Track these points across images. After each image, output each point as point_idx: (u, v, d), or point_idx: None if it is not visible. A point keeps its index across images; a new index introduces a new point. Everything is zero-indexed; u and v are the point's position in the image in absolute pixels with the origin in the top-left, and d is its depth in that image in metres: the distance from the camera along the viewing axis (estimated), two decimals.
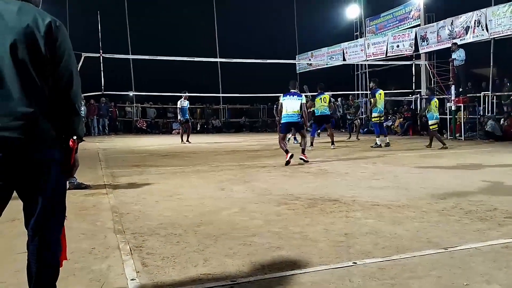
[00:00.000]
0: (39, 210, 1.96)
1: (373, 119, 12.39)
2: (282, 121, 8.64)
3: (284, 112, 8.54)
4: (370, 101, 12.75)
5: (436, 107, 11.29)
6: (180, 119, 14.91)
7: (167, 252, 3.11)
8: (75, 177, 5.74)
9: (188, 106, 15.02)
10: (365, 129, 19.21)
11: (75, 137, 2.01)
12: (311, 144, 11.54)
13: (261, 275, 2.66)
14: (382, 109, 12.25)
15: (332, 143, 11.82)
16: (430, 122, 11.33)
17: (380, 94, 12.02)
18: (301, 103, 8.52)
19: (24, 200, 2.00)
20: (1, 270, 2.81)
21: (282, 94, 8.83)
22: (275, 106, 16.04)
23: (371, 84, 12.49)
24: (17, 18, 1.89)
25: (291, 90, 8.73)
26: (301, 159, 8.33)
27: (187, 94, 14.96)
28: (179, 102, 14.76)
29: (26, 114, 1.87)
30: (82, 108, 14.34)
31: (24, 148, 1.88)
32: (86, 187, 5.87)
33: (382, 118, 12.46)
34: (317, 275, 2.65)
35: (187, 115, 14.75)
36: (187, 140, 14.47)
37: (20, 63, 1.87)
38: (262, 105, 25.06)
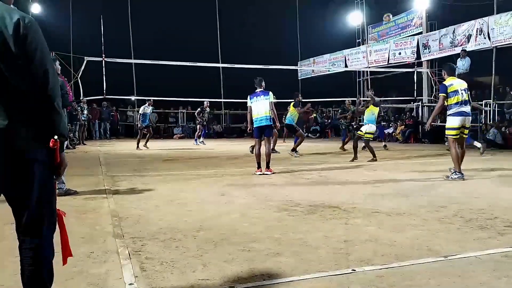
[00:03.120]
0: (27, 213, 1.93)
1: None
2: (254, 126, 7.85)
3: (254, 116, 7.80)
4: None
5: (373, 114, 10.30)
6: (140, 125, 14.76)
7: (166, 257, 3.10)
8: (64, 184, 5.63)
9: (151, 112, 15.16)
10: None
11: (56, 137, 1.94)
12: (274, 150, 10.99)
13: (259, 281, 2.65)
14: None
15: (294, 149, 11.26)
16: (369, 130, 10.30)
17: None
18: (269, 102, 7.73)
19: (11, 204, 1.97)
20: (0, 273, 2.81)
21: (249, 96, 8.02)
22: (198, 110, 16.51)
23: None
24: None
25: (257, 90, 7.94)
26: (265, 174, 7.58)
27: (152, 100, 15.11)
28: (142, 108, 14.59)
29: (1, 118, 1.83)
30: (85, 112, 14.24)
31: (3, 152, 1.85)
32: (74, 193, 5.68)
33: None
34: (316, 282, 2.64)
35: (148, 121, 14.74)
36: (145, 145, 14.32)
37: None
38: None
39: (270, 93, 7.84)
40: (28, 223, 1.95)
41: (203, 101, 17.00)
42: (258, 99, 7.80)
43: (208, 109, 17.16)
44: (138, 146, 14.15)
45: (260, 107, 7.74)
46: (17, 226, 1.99)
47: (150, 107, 14.76)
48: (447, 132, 7.04)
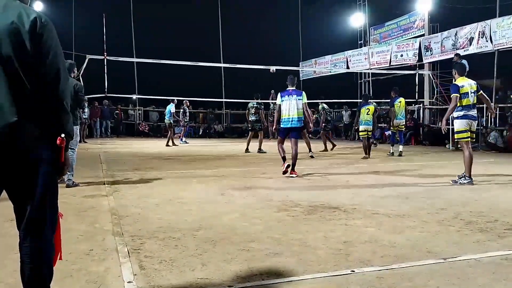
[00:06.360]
0: (29, 211, 1.93)
1: (392, 129, 12.35)
2: (281, 126, 7.47)
3: (283, 116, 7.37)
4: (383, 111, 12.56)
5: (368, 114, 11.20)
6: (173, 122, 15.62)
7: (165, 255, 3.10)
8: (72, 176, 5.90)
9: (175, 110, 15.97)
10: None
11: (63, 135, 1.96)
12: (310, 150, 11.06)
13: (258, 281, 2.65)
14: (402, 118, 11.98)
15: (310, 150, 10.99)
16: (360, 129, 11.48)
17: (400, 102, 11.86)
18: (302, 104, 7.31)
19: (14, 202, 1.97)
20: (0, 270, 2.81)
21: (279, 93, 7.59)
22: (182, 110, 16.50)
23: (392, 93, 12.26)
24: (1, 15, 1.86)
25: (289, 88, 7.49)
26: (290, 176, 7.20)
27: (176, 100, 16.11)
28: (173, 107, 15.67)
29: (10, 115, 1.84)
30: (86, 110, 14.44)
31: (9, 150, 1.85)
32: (77, 185, 6.13)
33: (402, 126, 12.14)
34: (315, 282, 2.64)
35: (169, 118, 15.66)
36: (174, 143, 15.20)
37: (5, 60, 1.84)
38: (265, 111, 25.04)
39: (304, 93, 7.46)
40: (30, 221, 1.95)
41: (183, 100, 17.12)
42: (290, 98, 7.33)
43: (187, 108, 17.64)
44: (173, 143, 15.07)
45: (292, 107, 7.28)
46: (18, 223, 1.99)
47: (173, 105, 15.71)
48: (457, 135, 6.92)
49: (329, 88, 22.44)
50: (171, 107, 15.62)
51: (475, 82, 6.97)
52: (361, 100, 12.21)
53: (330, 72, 23.48)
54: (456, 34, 16.65)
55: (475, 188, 6.34)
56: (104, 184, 6.40)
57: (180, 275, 2.72)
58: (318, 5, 25.04)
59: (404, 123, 12.30)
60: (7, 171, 1.88)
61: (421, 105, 18.57)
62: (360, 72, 22.72)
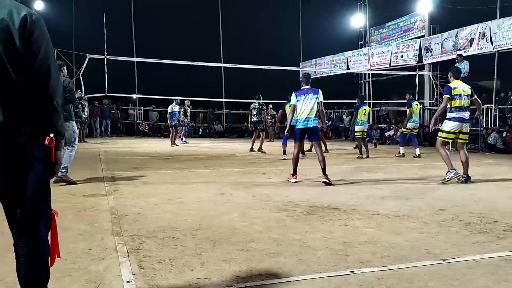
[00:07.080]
0: (23, 211, 1.91)
1: (403, 130, 12.33)
2: (297, 127, 6.95)
3: (299, 116, 6.89)
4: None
5: (364, 114, 11.63)
6: (170, 123, 15.84)
7: (164, 255, 3.10)
8: (66, 170, 5.97)
9: (179, 110, 16.10)
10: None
11: (52, 135, 1.93)
12: (284, 153, 10.67)
13: (257, 281, 2.64)
14: (417, 121, 12.13)
15: (303, 152, 10.31)
16: (356, 129, 11.73)
17: (417, 104, 12.10)
18: (319, 102, 6.82)
19: (4, 202, 1.94)
20: None
21: (293, 92, 7.04)
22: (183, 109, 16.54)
23: (406, 96, 12.46)
24: None
25: (303, 87, 6.99)
26: (324, 182, 6.57)
27: (178, 99, 16.22)
28: (170, 107, 15.78)
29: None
30: (86, 109, 14.48)
31: (0, 148, 1.84)
32: (73, 182, 6.17)
33: (415, 130, 12.28)
34: (314, 283, 2.64)
35: (176, 119, 15.90)
36: (174, 143, 15.34)
37: None
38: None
39: (320, 92, 6.93)
40: (24, 221, 1.92)
41: (184, 99, 17.13)
42: (306, 97, 6.84)
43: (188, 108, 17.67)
44: (173, 143, 15.28)
45: (308, 106, 6.80)
46: (11, 224, 1.96)
47: (178, 106, 15.87)
48: (440, 133, 7.12)
49: (329, 89, 22.41)
50: (169, 108, 15.79)
51: (469, 87, 7.17)
52: (357, 100, 12.29)
53: (331, 72, 23.49)
54: (456, 35, 16.67)
55: (474, 189, 6.34)
56: (104, 183, 6.40)
57: (179, 275, 2.72)
58: (318, 5, 25.03)
59: (417, 127, 12.52)
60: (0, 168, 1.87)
61: (421, 106, 18.56)
62: (360, 73, 22.73)
